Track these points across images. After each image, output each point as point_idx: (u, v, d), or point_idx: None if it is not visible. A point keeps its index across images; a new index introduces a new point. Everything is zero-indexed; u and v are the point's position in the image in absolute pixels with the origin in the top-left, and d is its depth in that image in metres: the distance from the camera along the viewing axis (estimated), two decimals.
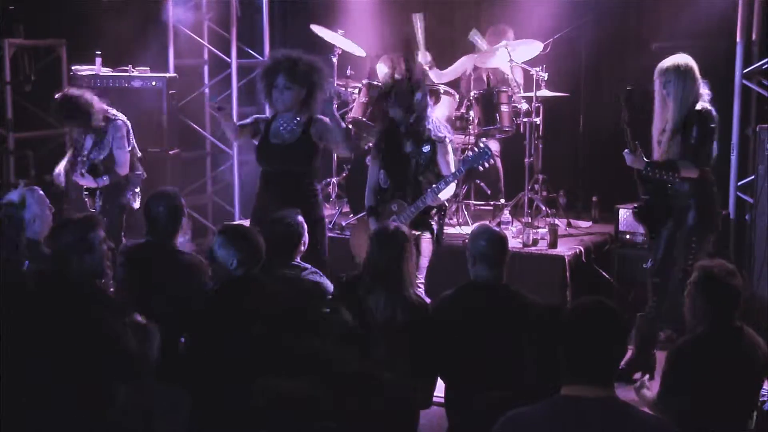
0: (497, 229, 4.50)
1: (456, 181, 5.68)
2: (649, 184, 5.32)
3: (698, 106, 5.22)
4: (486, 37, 7.63)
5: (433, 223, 5.67)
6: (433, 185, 5.52)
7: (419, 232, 5.56)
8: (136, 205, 6.31)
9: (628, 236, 6.59)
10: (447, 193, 5.62)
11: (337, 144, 5.65)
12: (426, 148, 5.59)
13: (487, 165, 5.63)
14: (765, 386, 4.36)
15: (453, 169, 5.61)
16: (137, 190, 6.38)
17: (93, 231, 4.03)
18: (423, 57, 7.60)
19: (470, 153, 5.68)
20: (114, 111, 6.29)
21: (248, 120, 5.72)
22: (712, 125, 5.23)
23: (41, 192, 5.07)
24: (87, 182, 6.21)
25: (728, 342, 3.83)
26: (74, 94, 6.19)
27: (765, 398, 4.31)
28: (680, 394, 3.78)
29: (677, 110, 5.21)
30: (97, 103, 6.17)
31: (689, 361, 3.82)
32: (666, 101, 5.26)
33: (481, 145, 5.61)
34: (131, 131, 6.35)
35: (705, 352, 3.80)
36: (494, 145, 7.42)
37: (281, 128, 5.53)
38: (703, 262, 4.08)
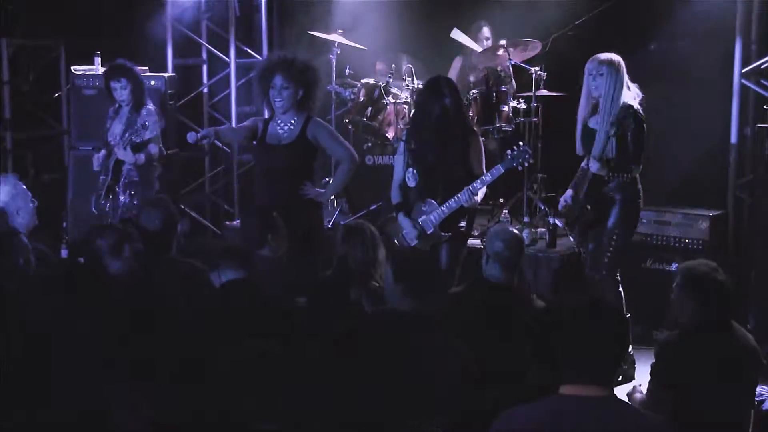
0: (516, 231, 4.52)
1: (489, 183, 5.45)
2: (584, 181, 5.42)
3: (632, 105, 5.27)
4: (476, 39, 7.68)
5: (462, 226, 5.54)
6: (470, 185, 5.33)
7: (448, 234, 5.45)
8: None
9: None
10: (481, 193, 5.45)
11: (332, 149, 5.59)
12: (459, 145, 5.42)
13: (526, 165, 5.46)
14: (764, 386, 4.38)
15: (483, 167, 5.46)
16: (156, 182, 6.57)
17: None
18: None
19: (509, 152, 5.40)
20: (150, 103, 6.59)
21: (247, 123, 5.71)
22: (644, 125, 5.30)
23: (23, 185, 5.08)
24: (126, 156, 6.32)
25: (716, 338, 3.83)
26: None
27: (764, 398, 4.32)
28: (669, 389, 3.79)
29: (609, 107, 5.26)
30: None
31: (676, 356, 3.83)
32: (591, 92, 5.35)
33: (521, 144, 5.42)
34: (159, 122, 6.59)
35: (692, 347, 3.81)
36: (492, 145, 7.42)
37: (279, 128, 5.52)
38: (689, 262, 4.10)
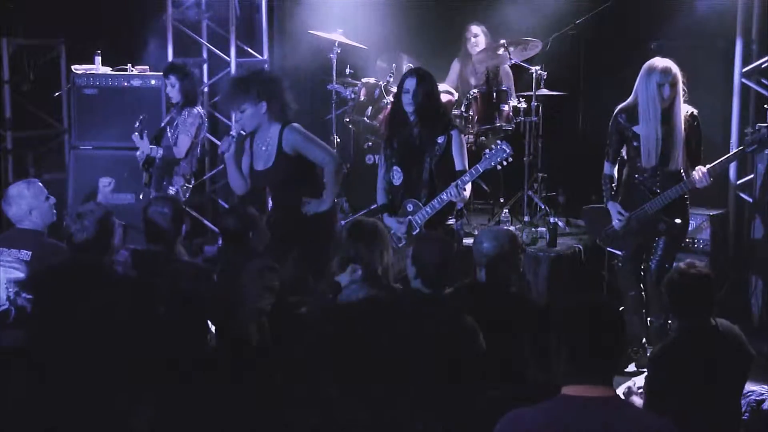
0: (502, 231, 4.49)
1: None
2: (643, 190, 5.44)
3: (693, 112, 5.32)
4: (465, 39, 7.71)
5: (451, 223, 5.45)
6: (451, 184, 5.21)
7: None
8: (183, 199, 6.51)
9: None
10: (465, 193, 5.31)
11: (312, 155, 5.42)
12: (441, 140, 5.32)
13: (505, 163, 5.27)
14: (764, 386, 4.38)
15: (466, 163, 5.35)
16: (187, 185, 6.59)
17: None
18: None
19: (487, 151, 5.28)
20: (201, 105, 6.72)
21: (232, 147, 5.46)
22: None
23: (39, 183, 5.07)
24: (142, 145, 6.42)
25: (703, 341, 3.82)
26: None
27: (764, 397, 4.32)
28: (666, 399, 3.78)
29: (680, 114, 5.26)
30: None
31: (668, 365, 3.83)
32: (659, 104, 5.22)
33: (498, 143, 5.28)
34: (205, 126, 6.66)
35: (681, 354, 3.81)
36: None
37: (262, 148, 5.45)
38: (677, 265, 4.09)
